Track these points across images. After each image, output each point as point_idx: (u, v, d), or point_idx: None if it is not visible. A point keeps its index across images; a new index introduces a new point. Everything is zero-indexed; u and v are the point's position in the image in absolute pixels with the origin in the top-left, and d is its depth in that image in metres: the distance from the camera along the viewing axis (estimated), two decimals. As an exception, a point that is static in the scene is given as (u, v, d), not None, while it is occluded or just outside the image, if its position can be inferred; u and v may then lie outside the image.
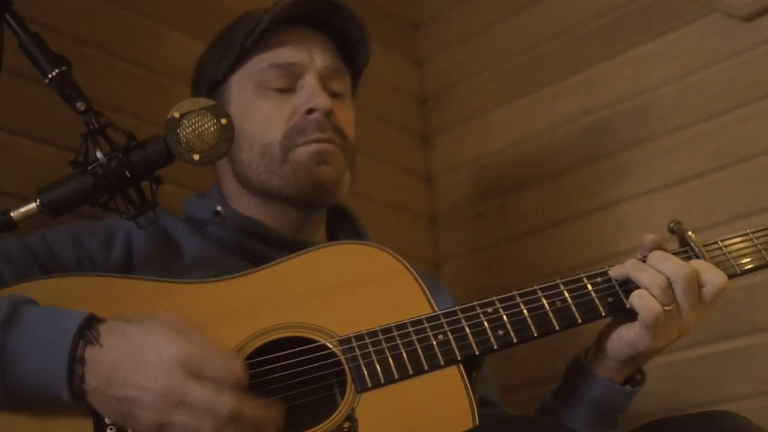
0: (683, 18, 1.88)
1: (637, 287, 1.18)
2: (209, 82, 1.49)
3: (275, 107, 1.43)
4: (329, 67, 1.47)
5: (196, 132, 1.10)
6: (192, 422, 1.01)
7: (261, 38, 1.44)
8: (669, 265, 1.18)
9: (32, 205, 1.09)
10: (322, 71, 1.45)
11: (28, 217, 1.09)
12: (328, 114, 1.42)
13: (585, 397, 1.27)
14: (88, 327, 1.05)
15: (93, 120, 1.10)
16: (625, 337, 1.20)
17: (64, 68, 1.11)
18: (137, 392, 1.01)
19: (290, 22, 1.47)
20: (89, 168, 1.09)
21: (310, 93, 1.43)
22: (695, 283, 1.18)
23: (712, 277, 1.19)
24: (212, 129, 1.10)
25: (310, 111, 1.42)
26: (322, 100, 1.42)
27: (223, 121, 1.10)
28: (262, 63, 1.45)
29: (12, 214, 1.08)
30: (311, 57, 1.45)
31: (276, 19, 1.44)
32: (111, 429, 1.05)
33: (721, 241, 1.26)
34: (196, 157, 1.10)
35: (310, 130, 1.41)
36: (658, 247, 1.23)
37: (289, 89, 1.44)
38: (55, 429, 1.06)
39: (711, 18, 1.84)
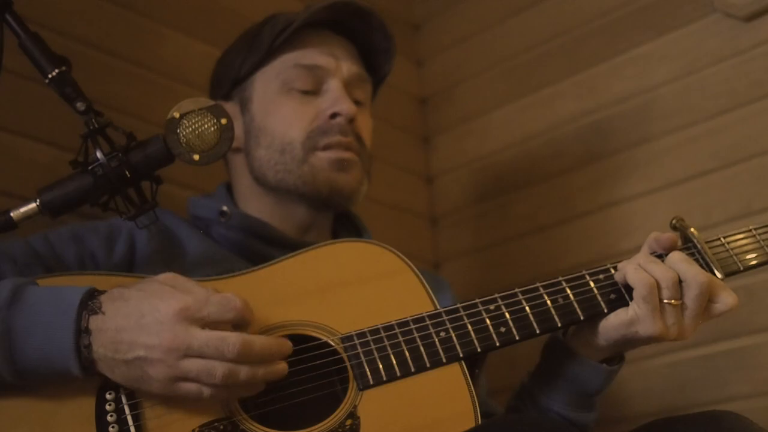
0: (683, 18, 1.88)
1: None
2: (232, 78, 1.50)
3: (299, 107, 1.45)
4: (354, 75, 1.49)
5: (196, 132, 1.10)
6: (204, 367, 1.03)
7: (289, 39, 1.45)
8: (690, 268, 1.19)
9: (32, 205, 1.09)
10: (348, 78, 1.47)
11: (28, 217, 1.09)
12: (351, 120, 1.44)
13: (565, 376, 1.27)
14: (90, 298, 1.06)
15: (93, 120, 1.10)
16: (622, 316, 1.19)
17: (64, 68, 1.11)
18: (145, 352, 1.03)
19: (319, 26, 1.49)
20: (89, 168, 1.09)
21: (335, 98, 1.44)
22: (708, 294, 1.19)
23: (726, 296, 1.20)
24: (212, 129, 1.10)
25: (334, 115, 1.43)
26: (347, 106, 1.43)
27: (223, 121, 1.11)
28: (288, 62, 1.46)
29: (12, 214, 1.08)
30: (337, 62, 1.47)
31: (308, 20, 1.45)
32: (111, 416, 1.06)
33: (724, 237, 1.26)
34: (196, 157, 1.10)
35: (332, 133, 1.43)
36: (674, 245, 1.24)
37: (313, 92, 1.46)
38: (56, 411, 1.06)
39: (711, 18, 1.84)
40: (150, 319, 1.04)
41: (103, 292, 1.08)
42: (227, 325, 1.07)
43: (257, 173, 1.46)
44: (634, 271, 1.18)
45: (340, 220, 1.56)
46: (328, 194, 1.43)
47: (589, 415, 1.31)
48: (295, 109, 1.45)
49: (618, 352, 1.27)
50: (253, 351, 1.05)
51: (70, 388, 1.07)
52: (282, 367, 1.09)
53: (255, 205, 1.47)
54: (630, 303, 1.19)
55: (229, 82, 1.51)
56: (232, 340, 1.04)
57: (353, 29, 1.51)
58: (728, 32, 1.81)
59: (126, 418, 1.06)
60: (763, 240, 1.26)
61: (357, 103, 1.48)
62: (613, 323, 1.20)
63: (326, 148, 1.43)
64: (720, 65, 1.82)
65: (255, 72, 1.48)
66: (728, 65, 1.81)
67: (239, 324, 1.08)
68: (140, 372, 1.04)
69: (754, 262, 1.25)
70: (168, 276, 1.10)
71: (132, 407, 1.07)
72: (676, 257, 1.21)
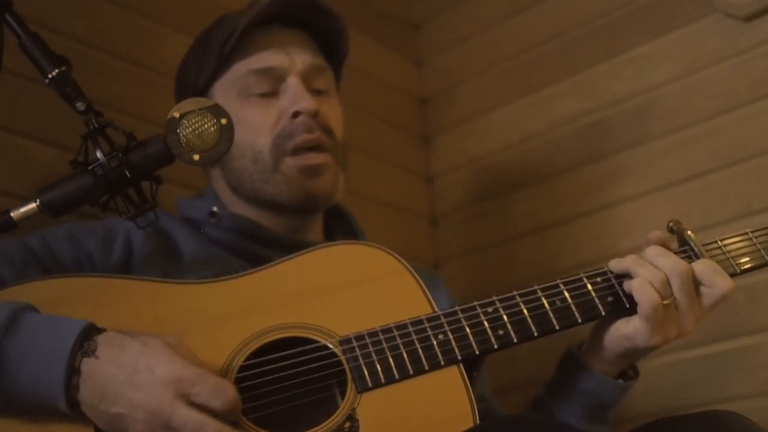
0: (683, 18, 1.88)
1: None
2: (192, 92, 1.48)
3: (260, 113, 1.42)
4: (310, 66, 1.46)
5: (196, 132, 1.09)
6: None
7: (239, 43, 1.43)
8: (666, 261, 1.19)
9: (32, 205, 1.09)
10: (304, 71, 1.45)
11: (28, 217, 1.09)
12: (315, 115, 1.42)
13: (578, 389, 1.28)
14: (87, 338, 1.05)
15: (93, 120, 1.09)
16: (623, 329, 1.20)
17: (64, 68, 1.10)
18: (128, 409, 1.01)
19: (267, 23, 1.46)
20: (89, 168, 1.09)
21: (294, 96, 1.42)
22: (691, 282, 1.18)
23: (720, 280, 1.19)
24: (212, 129, 1.10)
25: (295, 114, 1.41)
26: (306, 103, 1.41)
27: (223, 121, 1.10)
28: (242, 69, 1.44)
29: (12, 214, 1.08)
30: (291, 58, 1.44)
31: (252, 22, 1.43)
32: None
33: (721, 240, 1.26)
34: (196, 157, 1.10)
35: (297, 133, 1.41)
36: (661, 244, 1.24)
37: (272, 93, 1.44)
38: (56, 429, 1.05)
39: (711, 18, 1.84)
40: (142, 377, 1.01)
41: (102, 331, 1.06)
42: (212, 411, 1.03)
43: (235, 184, 1.45)
44: (639, 287, 1.17)
45: (334, 218, 1.55)
46: (305, 202, 1.42)
47: (602, 428, 1.31)
48: (257, 115, 1.42)
49: (630, 364, 1.28)
50: None
51: (67, 415, 1.05)
52: None
53: (240, 210, 1.45)
54: (629, 310, 1.19)
55: (189, 95, 1.47)
56: (209, 428, 1.00)
57: (303, 18, 1.48)
58: (728, 32, 1.81)
59: None
60: (759, 243, 1.26)
61: (319, 92, 1.46)
62: (615, 336, 1.21)
63: (295, 151, 1.40)
64: (720, 65, 1.82)
65: (212, 83, 1.46)
66: (728, 65, 1.81)
67: (224, 415, 1.03)
68: (120, 426, 1.02)
69: (750, 265, 1.25)
70: (175, 339, 1.07)
71: None
72: (651, 253, 1.20)
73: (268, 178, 1.41)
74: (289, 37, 1.47)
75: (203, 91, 1.47)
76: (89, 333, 1.05)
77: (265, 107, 1.43)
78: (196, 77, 1.48)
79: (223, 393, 1.02)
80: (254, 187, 1.43)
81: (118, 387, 1.01)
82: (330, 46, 1.52)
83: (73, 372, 1.02)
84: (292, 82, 1.43)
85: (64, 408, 1.03)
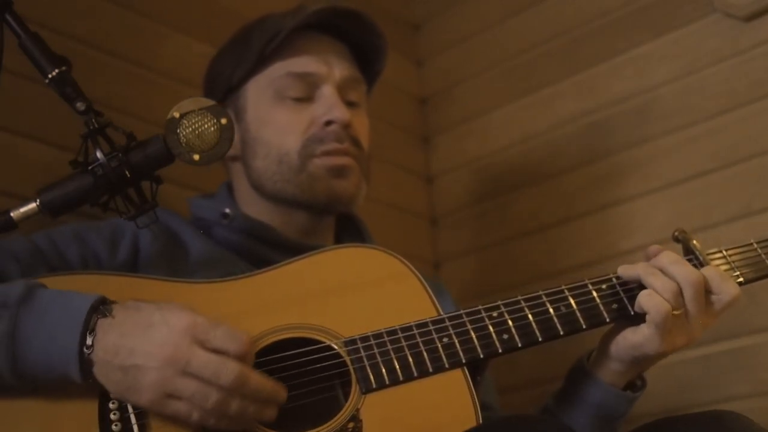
0: (683, 18, 1.89)
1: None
2: (225, 86, 1.49)
3: (293, 116, 1.44)
4: (347, 78, 1.47)
5: (196, 132, 1.09)
6: (200, 390, 1.02)
7: (280, 45, 1.44)
8: (680, 269, 1.18)
9: (32, 205, 1.09)
10: (341, 81, 1.46)
11: (28, 217, 1.09)
12: (346, 126, 1.43)
13: (586, 401, 1.28)
14: (102, 303, 1.07)
15: (93, 120, 1.09)
16: (631, 338, 1.20)
17: (64, 68, 1.10)
18: (143, 359, 1.02)
19: (309, 29, 1.48)
20: (89, 168, 1.09)
21: (329, 105, 1.43)
22: (703, 291, 1.18)
23: (727, 287, 1.19)
24: (212, 129, 1.10)
25: (328, 123, 1.42)
26: (341, 113, 1.42)
27: (223, 121, 1.10)
28: (280, 71, 1.45)
29: (12, 214, 1.08)
30: (330, 67, 1.46)
31: (298, 26, 1.44)
32: (114, 414, 1.06)
33: (726, 250, 1.26)
34: (196, 157, 1.10)
35: (328, 140, 1.42)
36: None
37: (306, 98, 1.45)
38: (59, 414, 1.06)
39: (711, 18, 1.84)
40: (157, 330, 1.04)
41: (115, 302, 1.08)
42: (226, 355, 1.05)
43: (255, 183, 1.46)
44: (648, 297, 1.17)
45: (344, 223, 1.55)
46: (327, 201, 1.43)
47: None
48: (289, 118, 1.43)
49: (637, 373, 1.28)
50: (248, 384, 1.04)
51: (72, 394, 1.07)
52: (272, 413, 1.07)
53: (256, 209, 1.46)
54: (633, 317, 1.19)
55: (222, 89, 1.49)
56: (230, 366, 1.03)
57: (345, 29, 1.50)
58: (728, 32, 1.81)
59: (129, 417, 1.06)
60: (765, 254, 1.26)
61: (351, 104, 1.47)
62: (623, 345, 1.21)
63: (323, 155, 1.42)
64: (720, 65, 1.82)
65: (247, 80, 1.47)
66: (728, 65, 1.81)
67: (240, 358, 1.06)
68: (133, 381, 1.03)
69: (754, 275, 1.25)
70: (186, 304, 1.10)
71: (138, 415, 1.06)
72: (665, 260, 1.20)
73: (291, 179, 1.42)
74: (329, 46, 1.49)
75: (237, 87, 1.48)
76: (104, 300, 1.08)
77: (297, 111, 1.44)
78: (231, 72, 1.48)
79: (237, 337, 1.05)
80: (276, 187, 1.43)
81: (134, 340, 1.03)
82: (366, 59, 1.53)
83: (87, 332, 1.04)
84: (328, 91, 1.44)
85: (75, 372, 1.04)
